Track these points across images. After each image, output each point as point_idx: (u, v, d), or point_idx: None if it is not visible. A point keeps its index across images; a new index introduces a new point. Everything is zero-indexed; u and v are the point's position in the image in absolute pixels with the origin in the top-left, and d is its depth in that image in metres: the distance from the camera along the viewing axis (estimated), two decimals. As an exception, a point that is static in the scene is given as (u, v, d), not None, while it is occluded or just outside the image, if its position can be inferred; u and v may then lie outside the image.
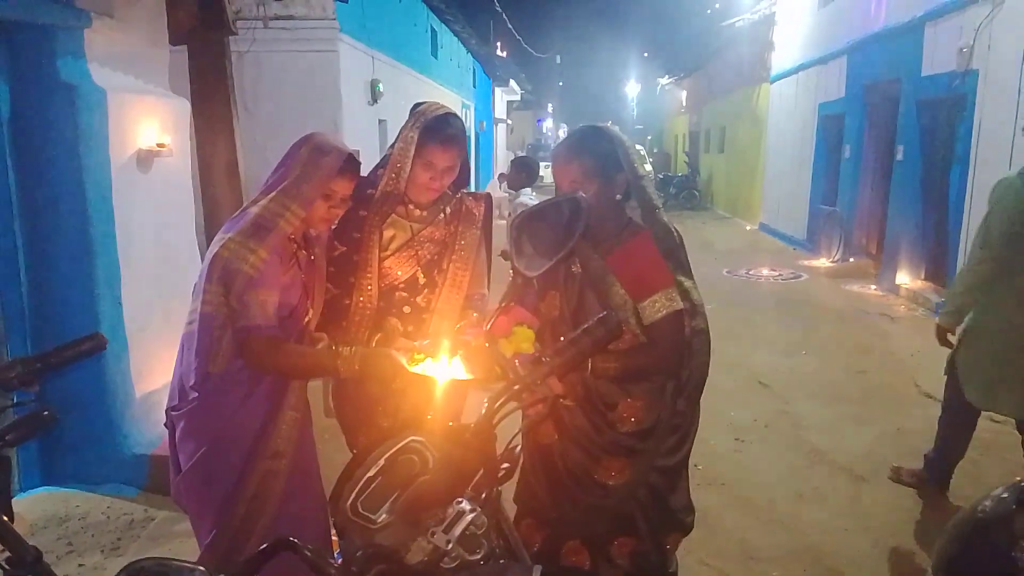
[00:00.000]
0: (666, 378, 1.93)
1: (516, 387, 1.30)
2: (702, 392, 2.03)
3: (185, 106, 3.92)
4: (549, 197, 1.85)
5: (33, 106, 3.14)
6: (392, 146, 2.16)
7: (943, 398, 3.47)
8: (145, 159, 3.58)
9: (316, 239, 2.14)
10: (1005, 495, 1.17)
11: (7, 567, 1.67)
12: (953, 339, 3.22)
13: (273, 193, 1.95)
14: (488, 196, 2.41)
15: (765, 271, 10.13)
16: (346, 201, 2.04)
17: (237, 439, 1.94)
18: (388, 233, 2.20)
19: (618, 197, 1.98)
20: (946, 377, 3.37)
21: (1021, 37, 6.17)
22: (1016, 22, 6.27)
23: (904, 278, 8.32)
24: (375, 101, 9.63)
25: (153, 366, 3.57)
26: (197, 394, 1.92)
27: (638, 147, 2.07)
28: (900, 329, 6.82)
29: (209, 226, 4.42)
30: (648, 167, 1.96)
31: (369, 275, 2.16)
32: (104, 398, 3.35)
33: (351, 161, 2.01)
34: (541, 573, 1.07)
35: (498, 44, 24.98)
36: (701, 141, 22.60)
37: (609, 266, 1.91)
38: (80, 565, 2.83)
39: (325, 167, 1.94)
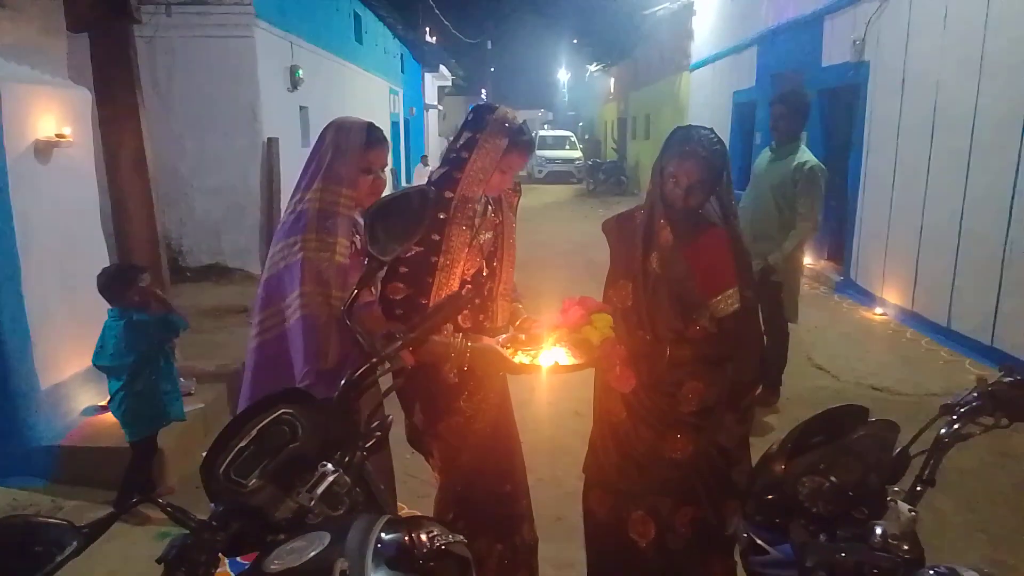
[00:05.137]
0: (727, 362, 2.10)
1: (373, 360, 1.44)
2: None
3: (86, 96, 3.89)
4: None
5: (-79, 97, 3.10)
6: (465, 149, 2.15)
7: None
8: (44, 150, 3.55)
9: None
10: (785, 439, 1.40)
11: None
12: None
13: (316, 183, 2.03)
14: (518, 186, 2.47)
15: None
16: (383, 170, 2.15)
17: None
18: None
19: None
20: (761, 304, 4.49)
21: (904, 30, 6.62)
22: (900, 16, 6.72)
23: (807, 258, 8.80)
24: (295, 88, 9.55)
25: (59, 357, 3.56)
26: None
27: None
28: (800, 307, 7.23)
29: (116, 215, 4.38)
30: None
31: (454, 277, 2.16)
32: (6, 391, 3.34)
33: (374, 130, 2.12)
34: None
35: (427, 30, 24.81)
36: (628, 128, 23.07)
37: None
38: (-16, 556, 2.85)
39: (354, 143, 2.05)
